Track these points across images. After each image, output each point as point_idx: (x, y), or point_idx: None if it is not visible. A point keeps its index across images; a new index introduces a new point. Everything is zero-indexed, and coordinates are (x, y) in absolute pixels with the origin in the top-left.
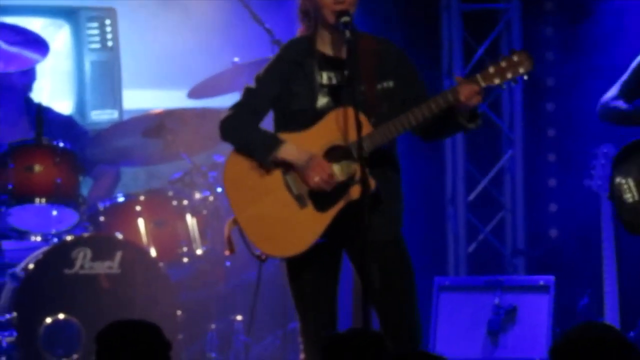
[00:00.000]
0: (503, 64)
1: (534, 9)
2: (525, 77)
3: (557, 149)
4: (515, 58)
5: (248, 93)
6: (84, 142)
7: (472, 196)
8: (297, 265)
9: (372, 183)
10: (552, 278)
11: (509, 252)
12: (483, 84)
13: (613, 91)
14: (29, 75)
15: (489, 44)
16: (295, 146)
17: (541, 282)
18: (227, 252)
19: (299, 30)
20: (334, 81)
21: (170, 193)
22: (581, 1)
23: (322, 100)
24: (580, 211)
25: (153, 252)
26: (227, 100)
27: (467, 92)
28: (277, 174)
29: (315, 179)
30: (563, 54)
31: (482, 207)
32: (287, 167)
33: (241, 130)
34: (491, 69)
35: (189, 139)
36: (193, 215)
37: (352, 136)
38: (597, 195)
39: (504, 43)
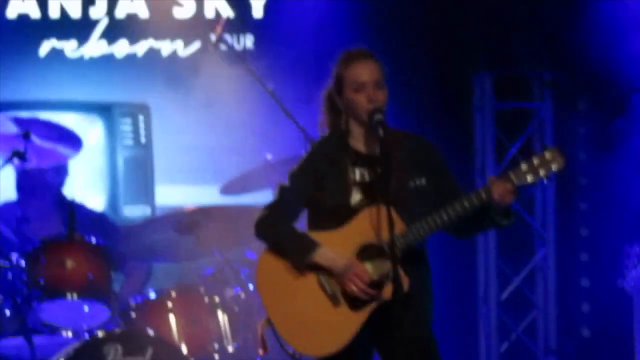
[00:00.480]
0: (535, 161)
1: (567, 107)
2: (558, 174)
3: (589, 248)
4: (547, 155)
5: (283, 191)
6: (116, 238)
7: (504, 295)
8: None
9: (406, 282)
10: None
11: (541, 352)
12: (516, 182)
13: None
14: (62, 172)
15: (522, 143)
16: (330, 251)
17: None
18: (261, 352)
19: (320, 121)
20: (367, 178)
21: (202, 289)
22: (614, 99)
23: (355, 197)
24: (613, 311)
25: (184, 349)
26: (259, 197)
27: (501, 191)
28: (311, 273)
29: (353, 288)
30: (596, 153)
31: (514, 305)
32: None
33: (277, 231)
34: (524, 167)
35: (221, 235)
36: (224, 312)
37: (385, 234)
38: (630, 294)
39: (536, 141)
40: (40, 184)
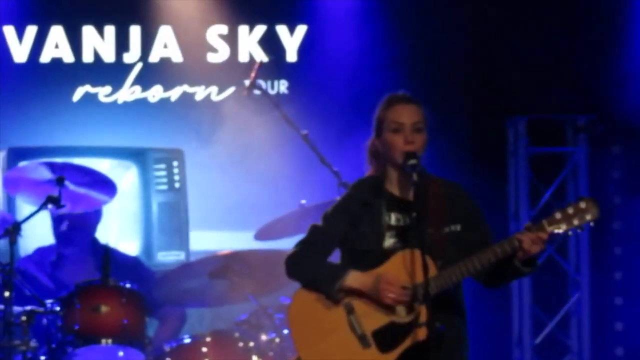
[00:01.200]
0: (570, 210)
1: (601, 152)
2: (592, 225)
3: (624, 292)
4: (582, 205)
5: (315, 231)
6: (151, 283)
7: (538, 339)
8: None
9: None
10: None
11: None
12: (549, 230)
13: None
14: (97, 216)
15: (556, 187)
16: (360, 273)
17: None
18: None
19: (368, 172)
20: (402, 222)
21: (237, 334)
22: None
23: (389, 241)
24: None
25: None
26: (293, 243)
27: (532, 239)
28: (342, 314)
29: (390, 295)
30: (630, 197)
31: (548, 350)
32: (351, 308)
33: (307, 266)
34: (558, 215)
35: (256, 280)
36: (259, 356)
37: (418, 278)
38: None
39: (570, 186)
40: (77, 229)
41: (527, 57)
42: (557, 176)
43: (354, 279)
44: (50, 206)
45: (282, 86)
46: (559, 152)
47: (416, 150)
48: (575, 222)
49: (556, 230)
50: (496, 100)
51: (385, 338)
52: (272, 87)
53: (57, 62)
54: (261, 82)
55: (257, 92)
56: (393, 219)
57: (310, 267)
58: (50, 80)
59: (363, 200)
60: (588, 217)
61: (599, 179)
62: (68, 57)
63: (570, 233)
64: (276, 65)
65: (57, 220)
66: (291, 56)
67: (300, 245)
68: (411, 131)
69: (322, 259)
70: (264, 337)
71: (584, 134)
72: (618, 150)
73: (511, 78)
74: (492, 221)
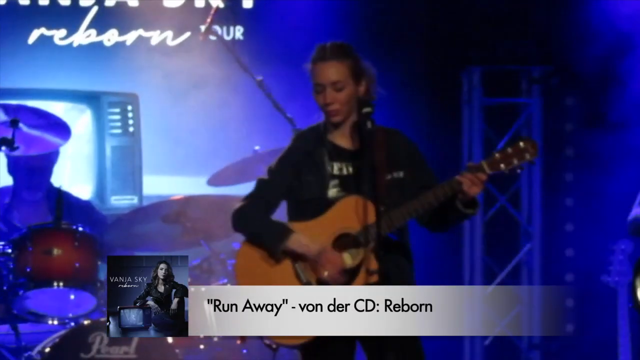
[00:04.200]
0: (509, 150)
1: (555, 103)
2: (532, 163)
3: (574, 244)
4: (521, 144)
5: (260, 184)
6: (103, 227)
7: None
8: (311, 356)
9: (375, 264)
10: None
11: (525, 347)
12: (488, 171)
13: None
14: (54, 159)
15: (510, 138)
16: (304, 237)
17: None
18: (238, 342)
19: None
20: (345, 172)
21: (189, 279)
22: (600, 98)
23: (332, 190)
24: (597, 307)
25: (170, 339)
26: (247, 189)
27: (469, 182)
28: (287, 261)
29: (325, 274)
30: (582, 150)
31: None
32: (296, 255)
33: (252, 221)
34: (497, 155)
35: (208, 226)
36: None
37: (361, 224)
38: (614, 290)
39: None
40: (37, 172)
41: (483, 7)
42: (510, 127)
43: (298, 242)
44: (3, 148)
45: (238, 32)
46: (513, 103)
47: (339, 108)
48: (515, 161)
49: (496, 171)
50: (452, 50)
51: (327, 283)
52: (228, 34)
53: (12, 3)
54: (217, 28)
55: (212, 37)
56: (335, 168)
57: (255, 223)
58: (5, 22)
59: (305, 150)
60: (527, 156)
61: (553, 130)
62: None
63: (508, 173)
64: (232, 11)
65: (14, 163)
66: (247, 2)
67: (247, 199)
68: (331, 91)
69: (268, 214)
70: (215, 283)
71: (539, 85)
72: (572, 101)
73: (467, 28)
74: (446, 171)
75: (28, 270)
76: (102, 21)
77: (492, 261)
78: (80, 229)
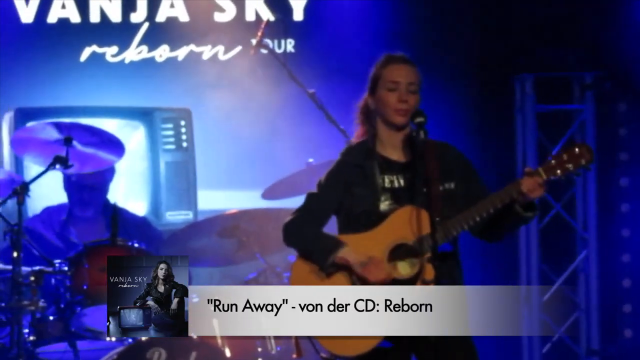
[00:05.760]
0: (564, 156)
1: (608, 109)
2: (588, 169)
3: (631, 249)
4: (576, 150)
5: (310, 198)
6: (159, 243)
7: (546, 296)
8: None
9: (431, 274)
10: None
11: (583, 352)
12: (545, 177)
13: None
14: (109, 176)
15: (563, 145)
16: (353, 249)
17: None
18: (294, 356)
19: (356, 132)
20: (396, 184)
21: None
22: None
23: (384, 203)
24: None
25: (227, 352)
26: (301, 201)
27: (530, 185)
28: (341, 273)
29: (370, 279)
30: (637, 154)
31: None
32: (349, 267)
33: (302, 235)
34: (553, 162)
35: (264, 239)
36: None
37: (416, 235)
38: None
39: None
40: (92, 190)
41: (534, 14)
42: (564, 134)
43: (348, 255)
44: (58, 166)
45: (289, 45)
46: (566, 110)
47: (409, 109)
48: (570, 167)
49: (552, 177)
50: (503, 58)
51: None
52: (279, 46)
53: (64, 22)
54: (268, 41)
55: (264, 51)
56: (387, 181)
57: (305, 236)
58: (57, 40)
59: (355, 163)
60: (582, 162)
61: (606, 136)
62: (75, 17)
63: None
64: (283, 24)
65: (69, 181)
66: (298, 15)
67: (297, 213)
68: (406, 91)
69: (317, 228)
70: None
71: (591, 92)
72: (624, 107)
73: (518, 35)
74: (500, 179)
75: (85, 287)
76: (153, 37)
77: (549, 268)
78: (136, 245)
